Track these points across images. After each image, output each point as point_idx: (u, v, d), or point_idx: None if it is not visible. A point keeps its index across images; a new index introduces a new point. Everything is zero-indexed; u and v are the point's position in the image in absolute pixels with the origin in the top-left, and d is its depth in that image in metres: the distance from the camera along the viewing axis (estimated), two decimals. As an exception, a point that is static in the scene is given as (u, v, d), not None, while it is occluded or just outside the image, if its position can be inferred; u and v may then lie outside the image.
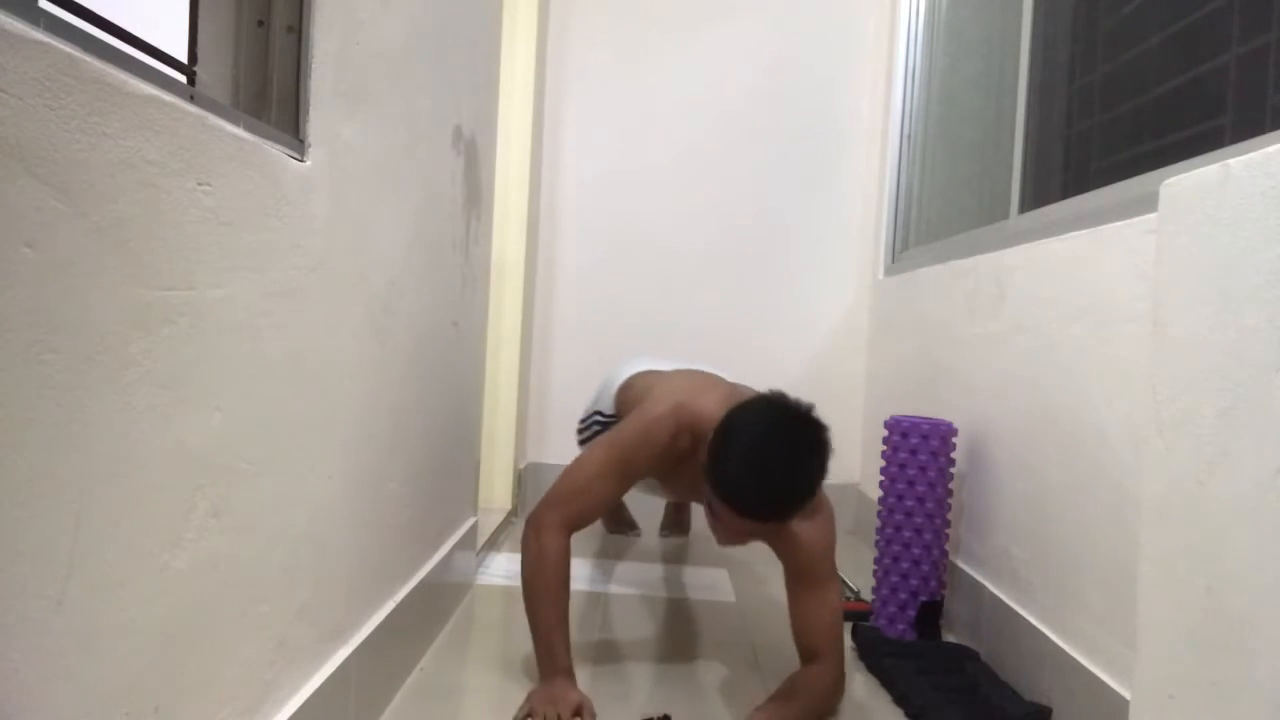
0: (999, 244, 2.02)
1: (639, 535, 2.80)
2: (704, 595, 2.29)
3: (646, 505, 2.84)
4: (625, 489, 1.71)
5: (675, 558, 2.64)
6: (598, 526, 2.76)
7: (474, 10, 1.93)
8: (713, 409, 1.57)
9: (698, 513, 2.87)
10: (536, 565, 1.59)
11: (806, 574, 1.63)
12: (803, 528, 1.61)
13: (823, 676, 1.59)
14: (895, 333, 2.84)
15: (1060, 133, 2.02)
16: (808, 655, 1.61)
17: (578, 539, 1.64)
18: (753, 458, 1.44)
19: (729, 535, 1.55)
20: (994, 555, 1.89)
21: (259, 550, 1.03)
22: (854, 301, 3.19)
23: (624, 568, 2.48)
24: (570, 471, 1.66)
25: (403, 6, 1.44)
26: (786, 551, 1.64)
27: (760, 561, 2.57)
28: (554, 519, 1.61)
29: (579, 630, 1.92)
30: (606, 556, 2.57)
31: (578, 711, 1.50)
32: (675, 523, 2.83)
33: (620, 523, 2.81)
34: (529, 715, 1.49)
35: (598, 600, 2.17)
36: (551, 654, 1.56)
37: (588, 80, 3.17)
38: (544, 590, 1.58)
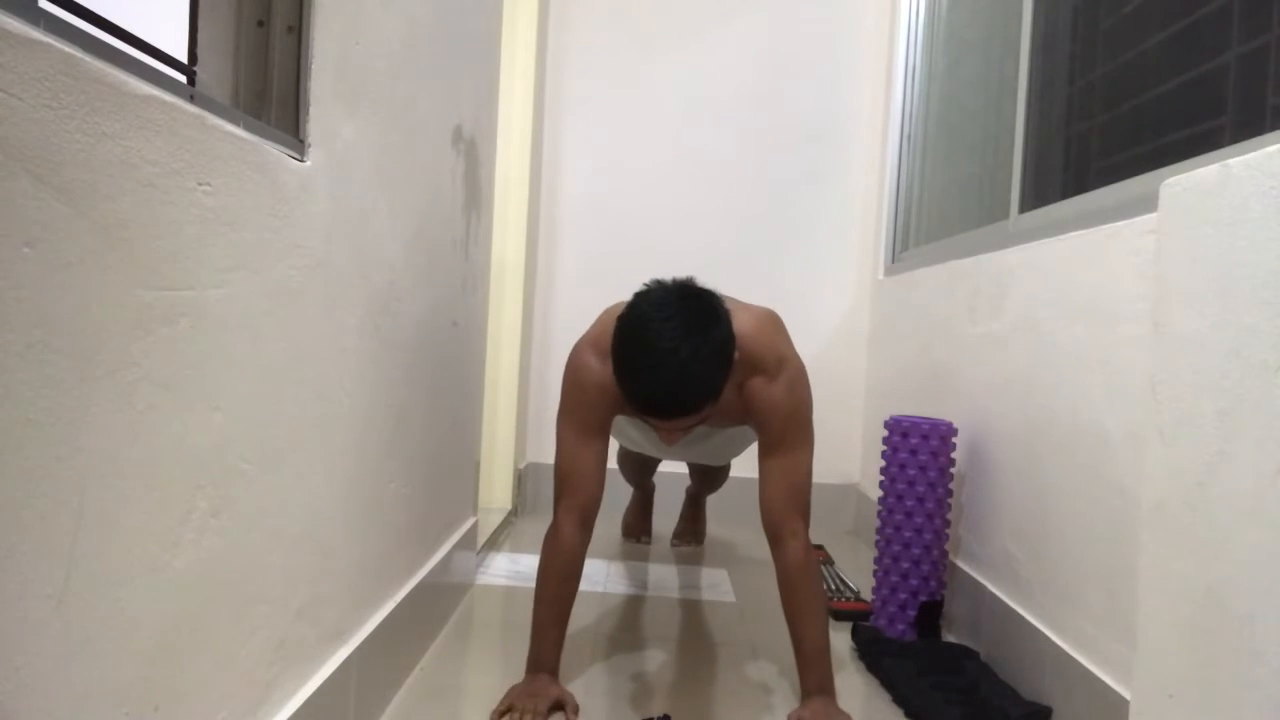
0: (999, 244, 2.02)
1: (649, 543, 2.78)
2: (704, 595, 2.29)
3: (658, 511, 2.83)
4: (604, 442, 1.63)
5: (676, 558, 2.64)
6: (606, 531, 2.76)
7: (474, 10, 1.93)
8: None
9: (711, 518, 2.88)
10: (542, 566, 1.61)
11: (773, 442, 1.59)
12: (764, 392, 1.57)
13: (798, 580, 1.55)
14: (895, 333, 2.84)
15: (1060, 133, 2.02)
16: (771, 531, 1.58)
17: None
18: (633, 361, 1.39)
19: (668, 433, 1.48)
20: (994, 555, 1.89)
21: (259, 550, 1.03)
22: (854, 301, 3.19)
23: (625, 568, 2.48)
24: (555, 461, 1.64)
25: (403, 6, 1.44)
26: (753, 421, 1.60)
27: (761, 561, 2.57)
28: (561, 514, 1.60)
29: (580, 630, 1.92)
30: (607, 557, 2.57)
31: (557, 706, 1.51)
32: (689, 531, 2.79)
33: (637, 529, 2.77)
34: (509, 709, 1.49)
35: (599, 600, 2.17)
36: (538, 651, 1.57)
37: (587, 80, 3.17)
38: (544, 591, 1.60)
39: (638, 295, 1.48)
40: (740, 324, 1.49)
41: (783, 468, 1.58)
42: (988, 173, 2.38)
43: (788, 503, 1.57)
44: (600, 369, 1.57)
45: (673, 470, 2.77)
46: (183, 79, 0.93)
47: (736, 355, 1.46)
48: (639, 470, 2.63)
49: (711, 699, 1.65)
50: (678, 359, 1.36)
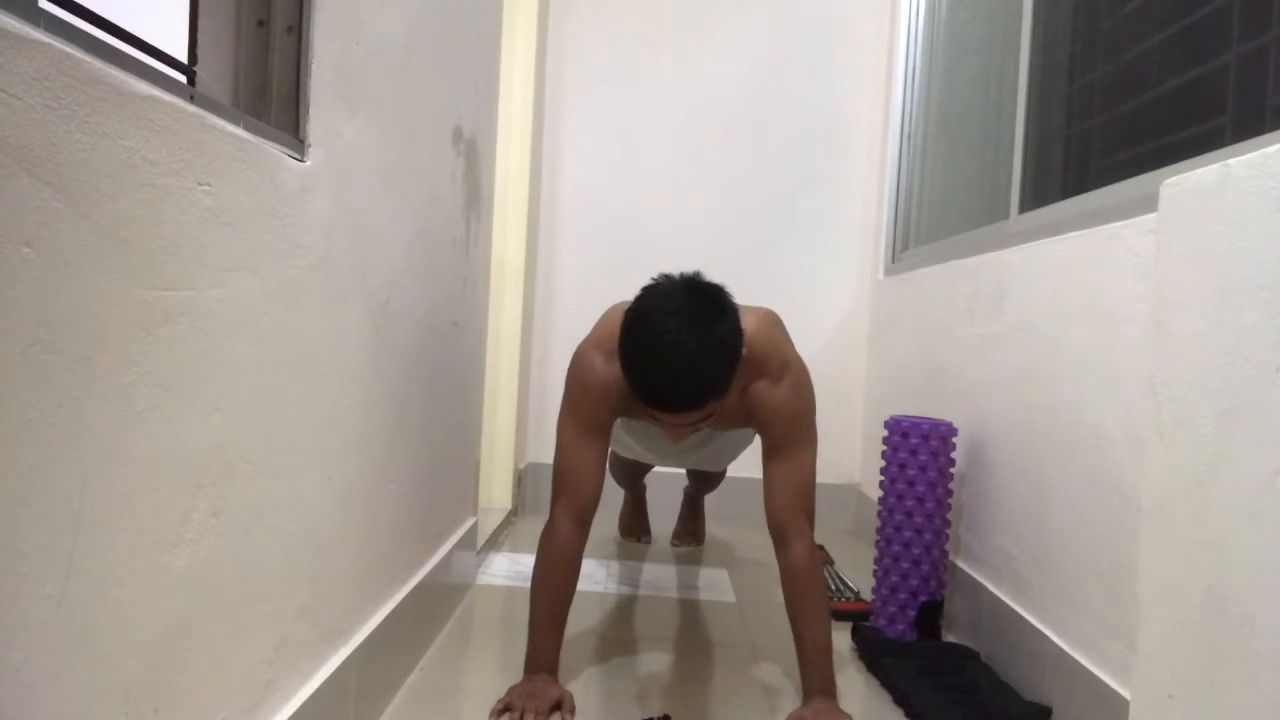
0: (999, 244, 2.02)
1: (649, 543, 2.78)
2: (704, 595, 2.29)
3: (657, 511, 2.84)
4: (604, 443, 1.63)
5: (676, 558, 2.64)
6: (606, 531, 2.76)
7: (474, 10, 1.93)
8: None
9: (711, 518, 2.88)
10: (539, 565, 1.61)
11: (778, 444, 1.60)
12: (768, 395, 1.58)
13: (802, 581, 1.55)
14: (895, 333, 2.84)
15: (1060, 133, 2.02)
16: (776, 532, 1.59)
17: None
18: (640, 352, 1.38)
19: (674, 430, 1.48)
20: (994, 555, 1.89)
21: (259, 550, 1.03)
22: (854, 301, 3.19)
23: (624, 567, 2.48)
24: (554, 460, 1.64)
25: (403, 6, 1.44)
26: (756, 424, 1.61)
27: (761, 561, 2.57)
28: (558, 513, 1.60)
29: (579, 630, 1.92)
30: (607, 557, 2.57)
31: (556, 706, 1.51)
32: (688, 531, 2.79)
33: (636, 529, 2.77)
34: (506, 709, 1.49)
35: (598, 600, 2.17)
36: (537, 651, 1.57)
37: (587, 80, 3.17)
38: (541, 590, 1.60)
39: (645, 289, 1.48)
40: (743, 325, 1.49)
41: (788, 469, 1.59)
42: (988, 173, 2.38)
43: (793, 504, 1.58)
44: (605, 369, 1.57)
45: (670, 470, 2.77)
46: (183, 79, 0.93)
47: (744, 353, 1.46)
48: (631, 473, 2.63)
49: (711, 699, 1.65)
50: (684, 351, 1.36)
